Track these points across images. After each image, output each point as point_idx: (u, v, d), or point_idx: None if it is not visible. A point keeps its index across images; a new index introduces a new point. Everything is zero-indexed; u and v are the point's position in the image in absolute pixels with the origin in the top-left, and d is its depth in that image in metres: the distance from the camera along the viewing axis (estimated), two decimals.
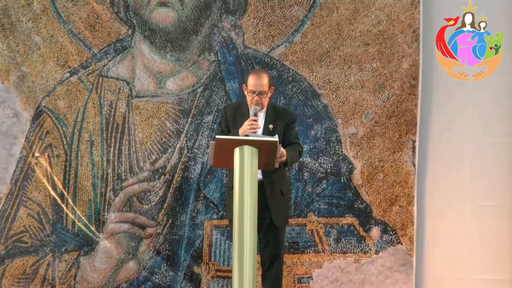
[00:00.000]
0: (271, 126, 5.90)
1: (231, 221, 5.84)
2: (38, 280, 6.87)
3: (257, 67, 6.83)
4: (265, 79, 5.86)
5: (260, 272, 6.03)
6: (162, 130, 6.91)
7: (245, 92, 5.91)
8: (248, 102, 5.89)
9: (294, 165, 6.79)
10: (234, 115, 5.97)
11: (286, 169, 6.05)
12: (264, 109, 5.92)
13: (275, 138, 5.65)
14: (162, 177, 6.90)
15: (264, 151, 5.56)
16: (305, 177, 6.88)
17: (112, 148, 6.90)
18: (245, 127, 5.74)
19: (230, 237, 6.59)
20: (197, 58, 6.93)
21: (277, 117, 5.94)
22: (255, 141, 5.55)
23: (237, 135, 5.75)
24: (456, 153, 6.88)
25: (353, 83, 6.90)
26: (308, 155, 6.87)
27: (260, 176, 5.76)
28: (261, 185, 5.75)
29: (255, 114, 5.79)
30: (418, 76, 6.85)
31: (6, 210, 6.88)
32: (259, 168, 5.58)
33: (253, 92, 5.84)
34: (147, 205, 6.90)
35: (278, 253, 5.93)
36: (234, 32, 6.92)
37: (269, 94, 5.94)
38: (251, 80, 5.86)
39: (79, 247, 6.89)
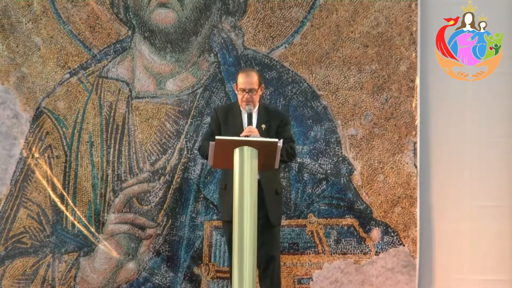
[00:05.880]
0: (263, 126, 5.89)
1: (224, 222, 5.85)
2: (38, 281, 6.85)
3: (257, 68, 6.83)
4: (254, 77, 5.86)
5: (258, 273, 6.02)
6: (162, 131, 6.91)
7: (236, 91, 5.92)
8: (239, 100, 5.89)
9: (294, 166, 6.80)
10: (226, 116, 5.96)
11: (282, 169, 6.03)
12: (256, 109, 5.90)
13: (275, 139, 5.64)
14: (162, 178, 6.89)
15: (264, 152, 5.56)
16: (305, 178, 6.88)
17: (112, 149, 6.90)
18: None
19: None
20: (197, 59, 6.93)
21: (270, 118, 5.93)
22: (255, 142, 5.55)
23: (230, 136, 5.72)
24: (456, 154, 6.88)
25: (353, 85, 6.91)
26: (308, 156, 6.87)
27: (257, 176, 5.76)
28: (258, 184, 5.74)
29: (250, 114, 5.78)
30: (415, 79, 6.85)
31: (6, 211, 6.87)
32: (258, 169, 5.58)
33: (243, 90, 5.84)
34: (147, 206, 6.89)
35: (273, 254, 5.91)
36: (234, 33, 6.93)
37: (260, 92, 5.93)
38: (241, 78, 5.86)
39: (79, 248, 6.88)
